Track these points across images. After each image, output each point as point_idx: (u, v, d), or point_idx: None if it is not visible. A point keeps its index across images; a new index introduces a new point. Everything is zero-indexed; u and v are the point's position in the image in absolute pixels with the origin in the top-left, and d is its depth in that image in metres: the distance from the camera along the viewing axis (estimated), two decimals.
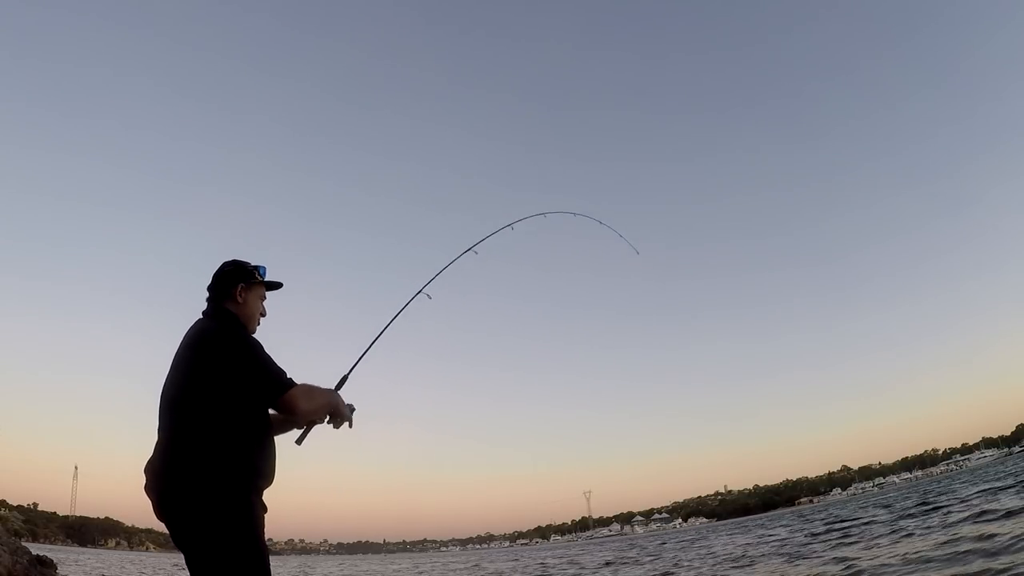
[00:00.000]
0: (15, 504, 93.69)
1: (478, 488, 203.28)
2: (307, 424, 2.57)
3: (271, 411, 2.41)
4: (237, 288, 2.52)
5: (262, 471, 2.31)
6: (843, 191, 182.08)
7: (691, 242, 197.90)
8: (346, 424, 2.60)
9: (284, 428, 2.56)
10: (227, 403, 2.24)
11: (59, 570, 9.65)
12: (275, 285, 2.69)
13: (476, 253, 3.84)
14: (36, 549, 10.02)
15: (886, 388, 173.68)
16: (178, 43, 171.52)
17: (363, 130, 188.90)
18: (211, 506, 2.13)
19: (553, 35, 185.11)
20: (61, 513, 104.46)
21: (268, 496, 2.34)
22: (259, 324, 2.62)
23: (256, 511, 2.24)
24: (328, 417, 2.55)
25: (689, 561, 12.74)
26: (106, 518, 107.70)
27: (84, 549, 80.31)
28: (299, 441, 2.59)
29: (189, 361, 2.33)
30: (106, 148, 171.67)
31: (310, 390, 2.40)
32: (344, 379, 2.86)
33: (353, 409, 2.66)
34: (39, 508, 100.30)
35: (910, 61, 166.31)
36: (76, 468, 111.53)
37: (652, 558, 15.79)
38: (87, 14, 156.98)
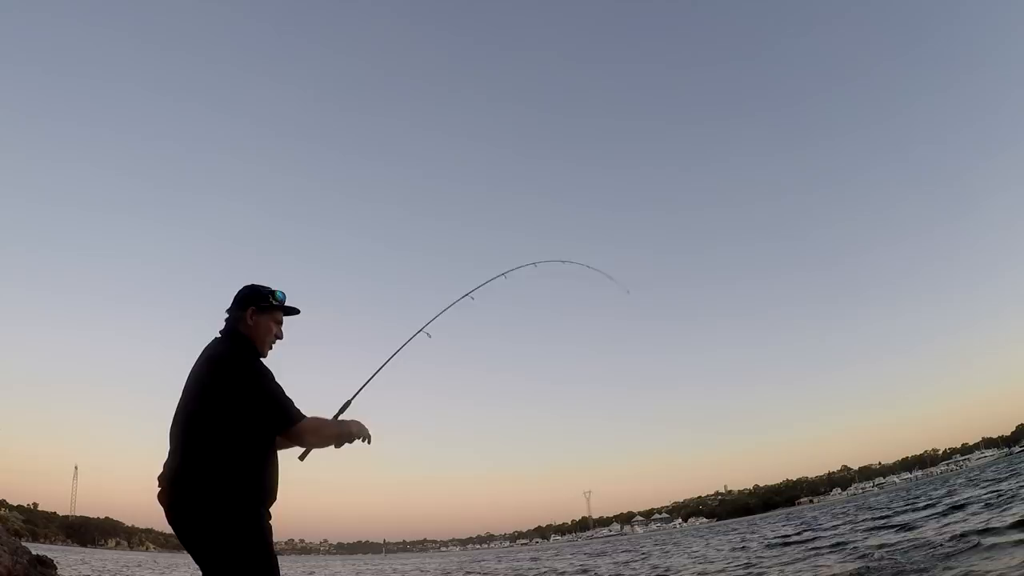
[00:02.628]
0: (15, 504, 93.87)
1: (478, 488, 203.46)
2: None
3: None
4: (248, 311, 2.66)
5: (268, 488, 2.50)
6: (844, 195, 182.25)
7: (692, 247, 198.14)
8: (359, 440, 2.76)
9: (288, 444, 2.72)
10: (236, 425, 2.40)
11: (59, 570, 9.66)
12: (291, 311, 2.81)
13: (473, 299, 4.14)
14: (36, 549, 10.01)
15: (886, 388, 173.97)
16: (176, 49, 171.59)
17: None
18: (221, 520, 2.32)
19: (552, 47, 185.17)
20: (61, 513, 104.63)
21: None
22: (272, 347, 2.74)
23: (264, 524, 2.44)
24: (338, 442, 2.73)
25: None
26: (106, 518, 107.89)
27: (84, 549, 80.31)
28: (302, 458, 2.83)
29: (202, 382, 2.49)
30: (115, 155, 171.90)
31: (319, 426, 2.61)
32: (347, 404, 3.09)
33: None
34: (39, 508, 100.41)
35: (914, 66, 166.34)
36: (76, 468, 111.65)
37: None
38: (72, 17, 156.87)
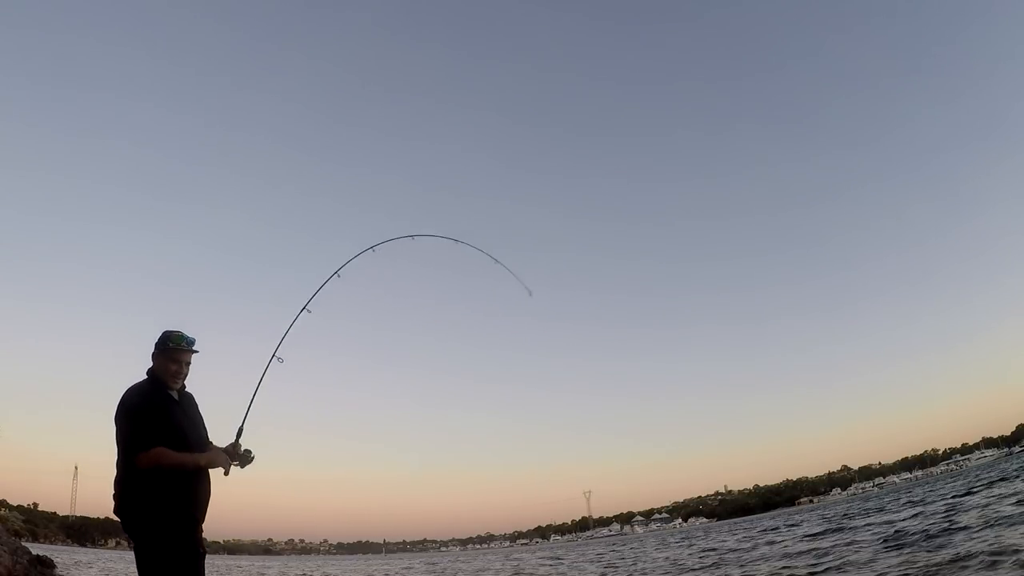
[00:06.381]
0: (15, 504, 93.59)
1: (478, 488, 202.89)
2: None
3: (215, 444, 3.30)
4: (153, 352, 3.21)
5: (196, 500, 3.05)
6: (847, 202, 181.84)
7: (692, 252, 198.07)
8: (234, 467, 3.30)
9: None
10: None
11: (59, 570, 9.65)
12: (191, 352, 3.24)
13: (340, 276, 4.08)
14: (36, 549, 10.03)
15: (886, 388, 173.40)
16: (159, 56, 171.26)
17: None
18: (143, 528, 2.87)
19: (535, 53, 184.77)
20: (61, 513, 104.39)
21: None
22: (178, 381, 3.20)
23: (190, 530, 2.98)
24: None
25: None
26: (106, 518, 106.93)
27: (84, 549, 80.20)
28: (226, 473, 3.25)
29: (119, 408, 3.05)
30: (121, 165, 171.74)
31: (154, 459, 2.91)
32: (240, 431, 3.48)
33: (251, 456, 3.38)
34: (39, 508, 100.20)
35: (923, 75, 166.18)
36: (76, 468, 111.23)
37: None
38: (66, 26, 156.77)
